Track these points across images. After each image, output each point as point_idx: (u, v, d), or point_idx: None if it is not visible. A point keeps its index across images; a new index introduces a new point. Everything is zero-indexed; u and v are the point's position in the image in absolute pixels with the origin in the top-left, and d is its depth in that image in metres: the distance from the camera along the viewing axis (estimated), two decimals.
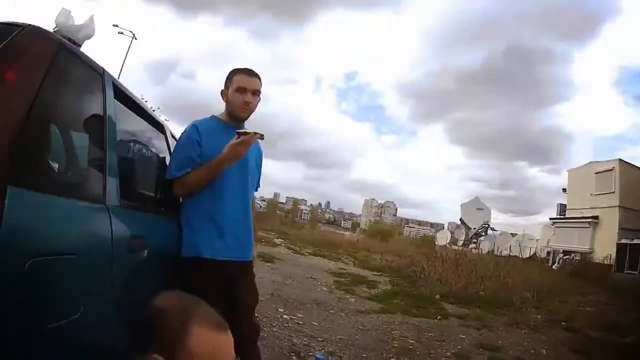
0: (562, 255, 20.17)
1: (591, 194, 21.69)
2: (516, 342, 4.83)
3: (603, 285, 11.54)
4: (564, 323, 5.91)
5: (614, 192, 20.26)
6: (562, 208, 25.60)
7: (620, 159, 21.19)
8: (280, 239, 16.08)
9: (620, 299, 9.00)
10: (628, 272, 15.26)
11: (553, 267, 17.83)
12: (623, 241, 17.21)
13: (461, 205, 35.31)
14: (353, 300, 6.71)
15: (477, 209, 33.05)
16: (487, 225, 29.51)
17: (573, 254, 19.54)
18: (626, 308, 7.67)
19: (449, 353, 4.27)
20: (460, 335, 4.97)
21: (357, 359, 3.79)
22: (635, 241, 16.45)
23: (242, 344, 2.14)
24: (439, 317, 5.93)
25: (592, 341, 5.01)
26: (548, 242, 22.82)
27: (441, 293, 7.82)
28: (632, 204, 19.37)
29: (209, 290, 1.88)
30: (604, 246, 18.36)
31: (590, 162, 23.40)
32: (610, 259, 16.70)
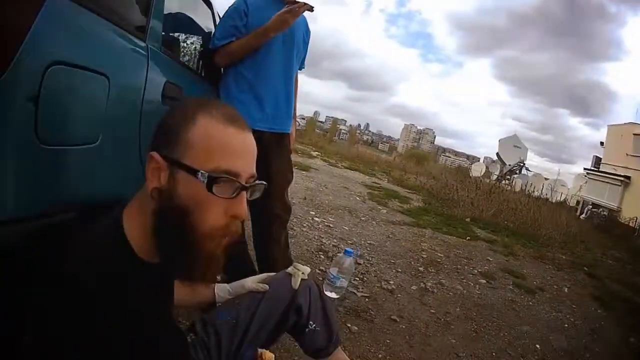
0: (590, 207, 20.01)
1: (627, 154, 21.30)
2: (540, 275, 4.97)
3: (625, 246, 11.46)
4: (585, 269, 5.99)
5: None
6: (597, 161, 25.02)
7: None
8: (317, 152, 16.05)
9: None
10: None
11: (580, 216, 17.74)
12: None
13: (499, 141, 34.59)
14: (385, 211, 6.82)
15: (514, 146, 32.46)
16: (522, 164, 29.02)
17: (601, 209, 19.35)
18: None
19: (475, 271, 4.44)
20: (488, 258, 5.13)
21: (386, 263, 3.95)
22: None
23: (270, 221, 2.27)
24: (468, 237, 6.08)
25: (611, 293, 5.11)
26: (580, 189, 22.64)
27: (472, 217, 7.91)
28: None
29: None
30: (631, 208, 18.10)
31: (631, 123, 22.60)
32: (636, 222, 16.49)
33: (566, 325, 3.49)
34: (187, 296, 1.36)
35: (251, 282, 1.42)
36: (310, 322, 1.43)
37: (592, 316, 3.92)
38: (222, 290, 1.44)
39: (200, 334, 1.30)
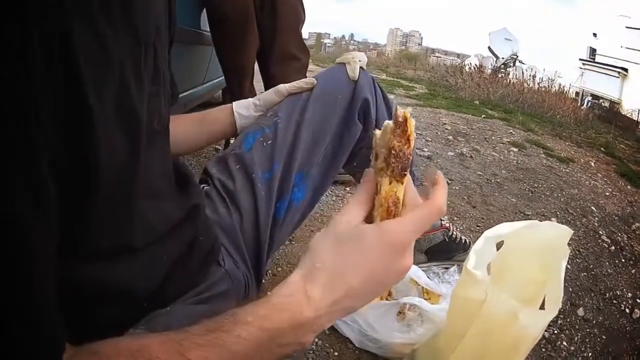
0: (590, 98, 19.89)
1: (621, 46, 20.88)
2: (564, 149, 4.71)
3: (633, 137, 11.41)
4: (602, 149, 5.76)
5: None
6: (592, 52, 24.69)
7: None
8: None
9: None
10: None
11: (581, 107, 17.61)
12: None
13: (489, 34, 33.55)
14: (392, 97, 6.47)
15: (506, 39, 31.50)
16: (515, 57, 28.26)
17: (601, 100, 19.26)
18: None
19: (505, 140, 4.19)
20: (510, 131, 4.85)
21: None
22: None
23: (284, 58, 1.89)
24: (483, 115, 5.76)
25: (634, 172, 4.92)
26: (581, 77, 22.52)
27: (480, 99, 7.63)
28: None
29: None
30: (630, 100, 18.05)
31: (622, 15, 22.07)
32: (638, 114, 16.42)
33: (607, 194, 3.25)
34: (190, 130, 0.95)
35: (288, 85, 0.98)
36: None
37: (624, 190, 3.69)
38: (244, 107, 0.99)
39: (218, 178, 0.89)
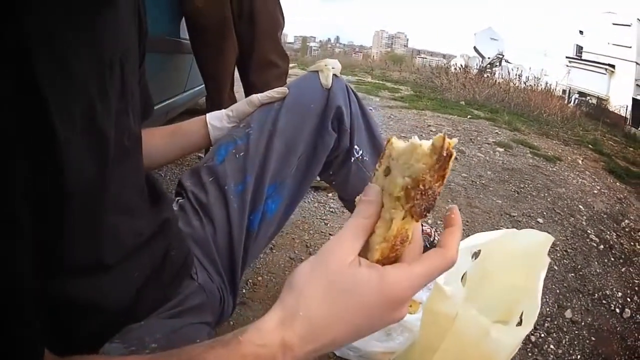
0: (577, 95, 20.11)
1: (608, 43, 21.19)
2: (551, 148, 4.69)
3: (621, 132, 11.53)
4: (590, 146, 5.77)
5: (631, 47, 19.73)
6: (579, 49, 24.99)
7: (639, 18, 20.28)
8: (293, 63, 15.28)
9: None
10: None
11: (568, 105, 17.79)
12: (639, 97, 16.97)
13: (475, 34, 33.93)
14: (377, 99, 6.51)
15: (491, 38, 31.84)
16: (501, 56, 28.49)
17: (588, 97, 19.48)
18: None
19: (490, 140, 4.15)
20: (495, 132, 4.82)
21: (395, 137, 3.65)
22: None
23: (264, 66, 1.86)
24: (469, 116, 5.75)
25: (622, 168, 4.92)
26: (568, 74, 22.78)
27: (466, 100, 7.66)
28: None
29: None
30: (618, 97, 18.27)
31: (609, 12, 22.37)
32: (627, 111, 16.60)
33: (595, 192, 3.21)
34: (162, 143, 0.93)
35: (260, 95, 0.95)
36: (356, 147, 0.98)
37: (613, 187, 3.67)
38: (217, 118, 0.97)
39: (191, 191, 0.88)
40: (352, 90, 1.01)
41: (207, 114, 0.97)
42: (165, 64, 1.82)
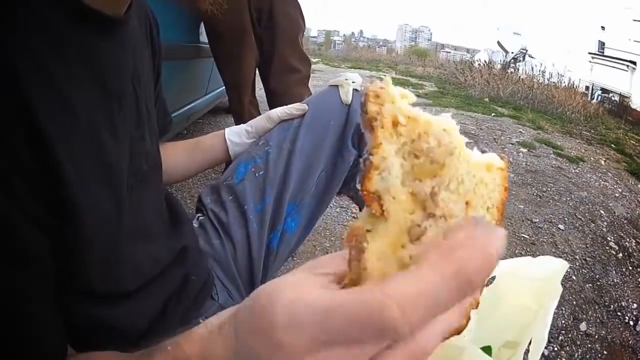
0: (600, 92, 19.70)
1: (629, 39, 20.51)
2: (574, 147, 4.71)
3: None
4: (613, 145, 5.73)
5: None
6: (601, 45, 24.41)
7: None
8: (316, 59, 15.09)
9: None
10: None
11: (591, 101, 17.46)
12: None
13: (498, 28, 33.39)
14: None
15: (514, 33, 31.33)
16: (524, 51, 28.01)
17: (611, 94, 19.05)
18: None
19: (514, 141, 4.19)
20: (519, 130, 4.85)
21: None
22: None
23: (284, 71, 1.88)
24: (493, 114, 5.76)
25: None
26: (590, 72, 22.28)
27: (489, 96, 7.62)
28: None
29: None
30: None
31: (628, 8, 21.64)
32: None
33: (617, 195, 3.25)
34: (182, 159, 0.93)
35: (279, 110, 0.94)
36: None
37: (635, 190, 3.69)
38: (235, 134, 0.96)
39: (211, 209, 0.88)
40: None
41: (226, 129, 0.97)
42: (185, 70, 1.83)
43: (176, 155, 0.91)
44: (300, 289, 0.25)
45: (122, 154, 0.53)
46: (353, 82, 0.95)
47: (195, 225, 0.86)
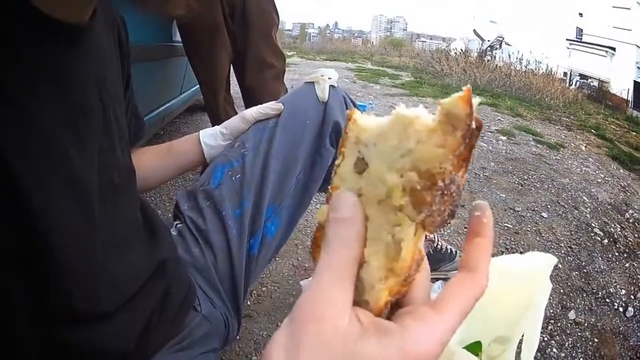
0: (578, 77, 19.97)
1: (608, 25, 20.85)
2: (554, 134, 4.65)
3: (623, 116, 11.45)
4: (593, 131, 5.72)
5: (631, 30, 19.42)
6: (579, 32, 24.85)
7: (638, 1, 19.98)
8: (292, 52, 14.89)
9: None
10: None
11: (570, 87, 17.68)
12: None
13: (474, 17, 33.80)
14: (378, 87, 6.47)
15: (490, 21, 31.75)
16: (501, 39, 28.31)
17: (590, 79, 19.34)
18: None
19: (492, 129, 4.12)
20: (498, 118, 4.80)
21: None
22: None
23: (259, 66, 1.89)
24: None
25: (625, 153, 4.88)
26: (568, 58, 22.65)
27: (467, 85, 7.60)
28: None
29: None
30: (619, 79, 18.13)
31: None
32: (628, 93, 16.46)
33: (599, 180, 3.18)
34: (156, 164, 0.90)
35: (254, 110, 0.92)
36: None
37: (617, 175, 3.64)
38: (210, 136, 0.93)
39: (189, 216, 0.84)
40: (351, 100, 0.98)
41: (201, 132, 0.94)
42: (158, 71, 1.79)
43: (150, 162, 0.89)
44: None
45: (90, 166, 0.51)
46: (329, 78, 0.93)
47: (174, 233, 0.83)
